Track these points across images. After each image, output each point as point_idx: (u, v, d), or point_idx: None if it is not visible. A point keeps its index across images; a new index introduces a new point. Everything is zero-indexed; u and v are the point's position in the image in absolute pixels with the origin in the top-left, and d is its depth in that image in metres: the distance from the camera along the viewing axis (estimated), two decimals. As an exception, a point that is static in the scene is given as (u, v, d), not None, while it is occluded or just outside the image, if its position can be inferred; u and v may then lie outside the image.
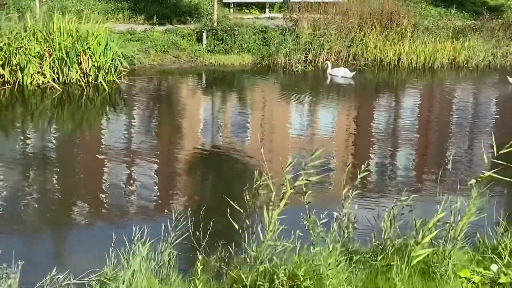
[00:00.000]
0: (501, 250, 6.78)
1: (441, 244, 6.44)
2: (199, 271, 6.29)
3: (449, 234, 6.43)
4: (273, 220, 6.43)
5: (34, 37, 17.10)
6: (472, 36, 22.89)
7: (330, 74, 19.99)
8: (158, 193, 10.61)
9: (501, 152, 6.40)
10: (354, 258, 6.70)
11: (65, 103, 16.21)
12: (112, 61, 17.38)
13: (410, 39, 22.16)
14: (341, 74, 19.73)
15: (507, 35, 23.49)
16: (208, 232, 7.31)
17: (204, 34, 21.01)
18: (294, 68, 20.41)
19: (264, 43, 21.52)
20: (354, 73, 19.51)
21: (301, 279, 5.93)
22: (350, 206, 6.97)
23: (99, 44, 17.33)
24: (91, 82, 17.24)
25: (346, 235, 7.01)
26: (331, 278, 6.10)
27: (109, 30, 19.66)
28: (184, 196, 10.53)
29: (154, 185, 10.96)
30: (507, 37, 23.40)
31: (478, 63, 21.84)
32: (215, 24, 21.29)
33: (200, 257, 6.54)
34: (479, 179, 6.45)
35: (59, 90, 16.65)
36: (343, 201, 6.96)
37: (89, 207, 9.91)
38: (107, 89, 16.83)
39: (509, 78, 19.42)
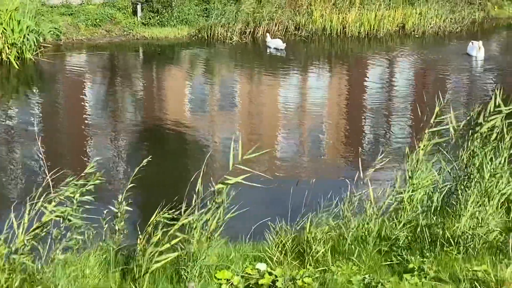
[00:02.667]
0: (273, 247, 6.10)
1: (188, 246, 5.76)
2: None
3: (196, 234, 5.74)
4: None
5: None
6: (427, 1, 21.81)
7: (267, 46, 19.20)
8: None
9: (245, 156, 5.66)
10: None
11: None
12: (24, 37, 16.73)
13: (359, 7, 21.18)
14: (273, 45, 18.89)
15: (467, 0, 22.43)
16: None
17: (139, 7, 20.24)
18: (229, 41, 19.59)
19: (206, 15, 20.70)
20: (285, 44, 18.62)
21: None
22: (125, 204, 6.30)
23: (13, 20, 16.68)
24: (5, 60, 16.61)
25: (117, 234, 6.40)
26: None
27: (41, 4, 19.13)
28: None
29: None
30: (465, 2, 22.31)
31: (426, 30, 20.75)
32: (152, -5, 20.49)
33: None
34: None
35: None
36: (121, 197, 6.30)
37: None
38: (18, 67, 16.23)
39: (469, 46, 18.11)
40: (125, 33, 19.88)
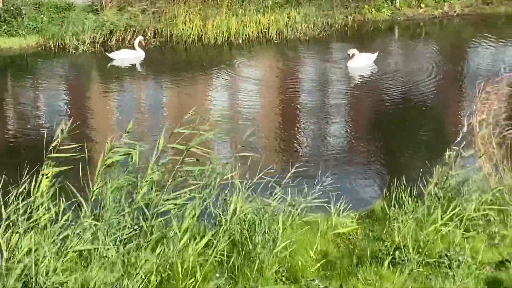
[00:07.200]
0: None
1: None
2: None
3: None
4: None
5: None
6: (299, 5, 20.80)
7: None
8: None
9: None
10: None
11: None
12: None
13: (226, 12, 20.17)
14: (119, 56, 17.87)
15: (343, 3, 21.44)
16: None
17: (-17, 16, 19.23)
18: (72, 50, 18.52)
19: (62, 24, 19.63)
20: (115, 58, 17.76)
21: None
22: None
23: None
24: None
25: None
26: None
27: None
28: None
29: None
30: (340, 5, 21.33)
31: (288, 36, 19.65)
32: (0, 4, 19.44)
33: None
34: None
35: None
36: None
37: None
38: None
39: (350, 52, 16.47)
40: (-35, 44, 18.85)
